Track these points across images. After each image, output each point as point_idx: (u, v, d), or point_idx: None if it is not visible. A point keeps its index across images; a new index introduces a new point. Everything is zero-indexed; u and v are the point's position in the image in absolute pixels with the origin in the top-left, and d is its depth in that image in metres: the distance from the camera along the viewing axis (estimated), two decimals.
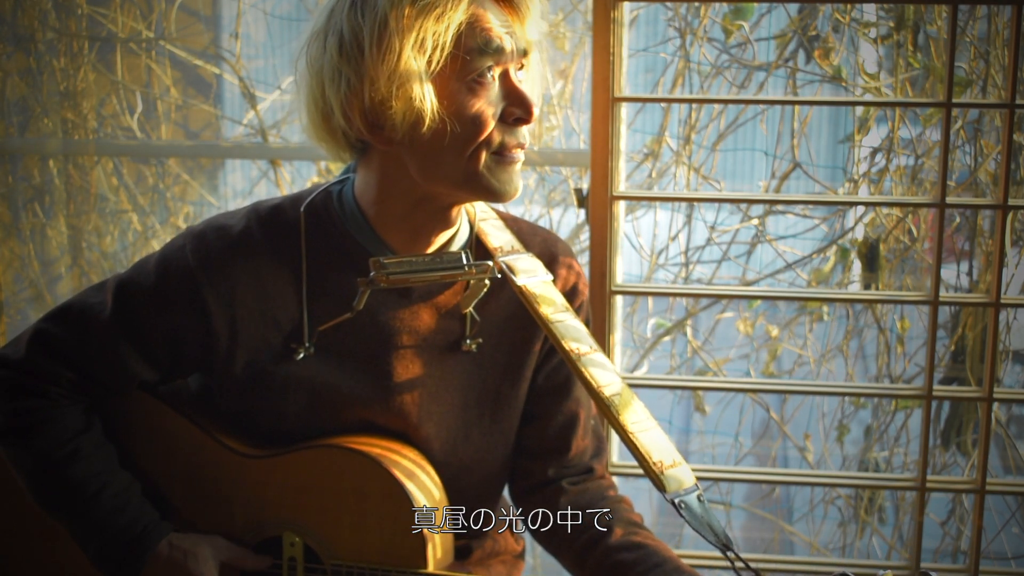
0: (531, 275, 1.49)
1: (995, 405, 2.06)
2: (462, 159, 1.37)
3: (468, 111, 1.35)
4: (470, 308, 1.48)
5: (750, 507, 2.88)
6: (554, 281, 1.53)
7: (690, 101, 2.46)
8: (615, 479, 2.09)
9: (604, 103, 1.90)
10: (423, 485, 1.47)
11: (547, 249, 1.57)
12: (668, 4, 2.44)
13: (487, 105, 1.36)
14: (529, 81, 1.42)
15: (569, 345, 1.45)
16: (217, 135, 2.94)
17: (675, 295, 2.56)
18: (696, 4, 2.42)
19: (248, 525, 1.48)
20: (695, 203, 2.57)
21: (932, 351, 1.95)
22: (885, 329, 2.56)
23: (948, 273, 2.44)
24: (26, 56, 2.75)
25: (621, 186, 1.99)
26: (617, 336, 2.05)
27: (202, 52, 2.82)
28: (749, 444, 2.83)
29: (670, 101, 2.48)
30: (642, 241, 2.62)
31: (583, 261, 2.66)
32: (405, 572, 1.42)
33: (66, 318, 1.45)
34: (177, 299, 1.42)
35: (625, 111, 1.98)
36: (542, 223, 2.75)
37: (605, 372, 1.45)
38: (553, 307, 1.47)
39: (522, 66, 1.41)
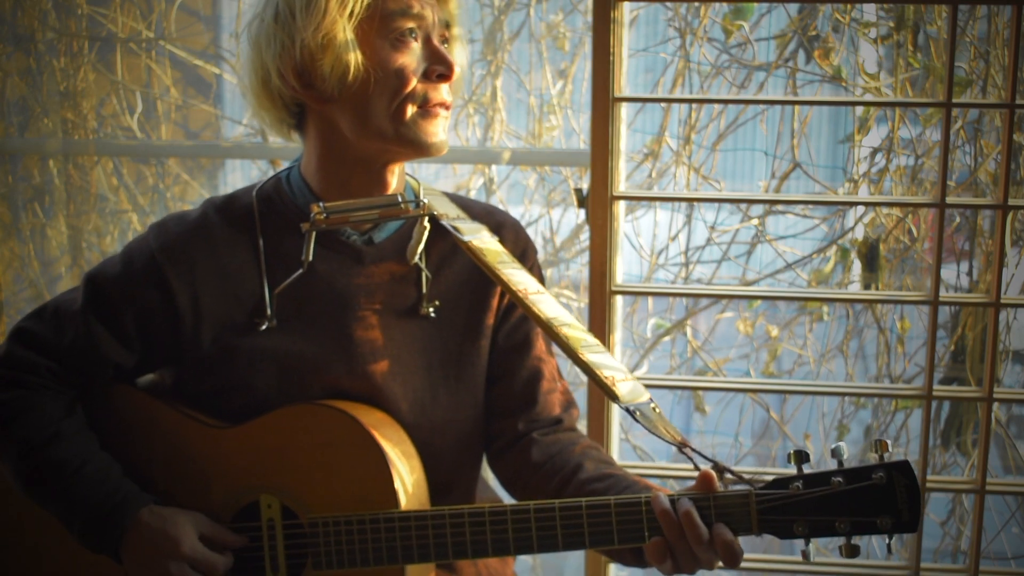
0: (477, 233, 1.58)
1: (995, 405, 2.05)
2: (388, 112, 1.48)
3: (391, 64, 1.47)
4: (417, 259, 1.55)
5: None
6: (502, 243, 1.61)
7: (690, 101, 2.46)
8: None
9: (604, 103, 1.90)
10: (390, 434, 1.50)
11: (492, 219, 1.65)
12: (668, 4, 2.44)
13: (409, 60, 1.47)
14: (451, 50, 1.54)
15: (516, 286, 1.52)
16: (217, 135, 2.94)
17: (675, 295, 2.56)
18: (696, 4, 2.42)
19: (226, 496, 1.51)
20: (695, 203, 2.57)
21: (932, 351, 1.95)
22: (885, 329, 2.56)
23: (948, 273, 2.44)
24: (26, 56, 2.75)
25: (621, 186, 1.99)
26: (617, 336, 2.05)
27: (202, 52, 2.82)
28: (749, 444, 2.83)
29: (670, 101, 2.48)
30: (642, 241, 2.62)
31: (583, 261, 2.67)
32: (379, 515, 1.44)
33: (42, 315, 1.55)
34: (142, 281, 1.52)
35: (625, 111, 1.98)
36: (542, 223, 2.76)
37: (554, 307, 1.54)
38: (499, 258, 1.55)
39: (445, 39, 1.53)
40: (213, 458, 1.51)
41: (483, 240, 1.57)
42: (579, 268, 2.73)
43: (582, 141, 2.66)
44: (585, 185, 1.98)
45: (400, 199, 1.51)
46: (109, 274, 1.53)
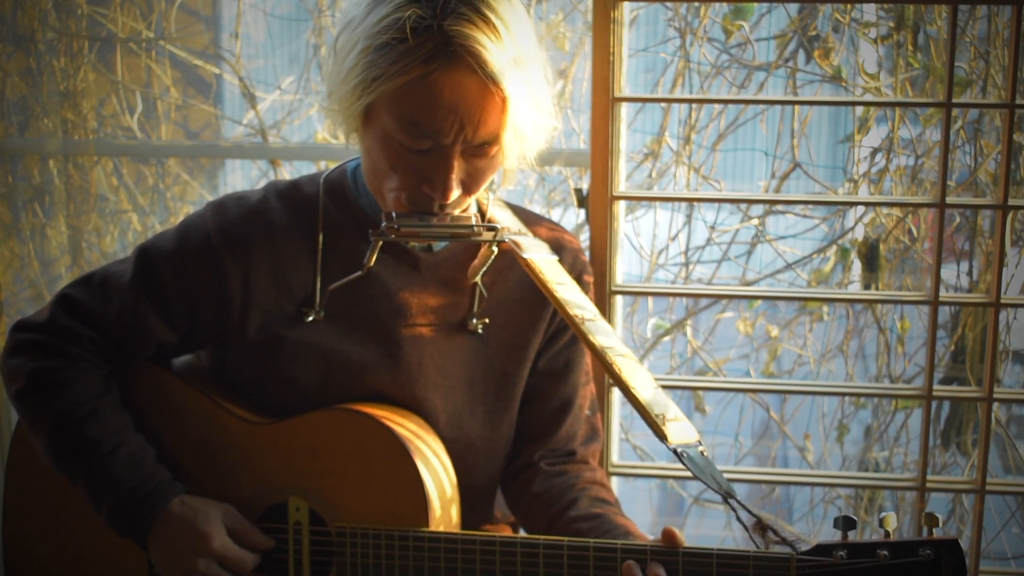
0: (537, 251, 1.52)
1: (995, 405, 2.05)
2: (373, 188, 1.45)
3: (374, 159, 1.41)
4: (477, 278, 1.51)
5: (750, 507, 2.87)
6: (560, 262, 1.56)
7: (690, 101, 2.46)
8: (615, 480, 2.09)
9: (604, 103, 1.90)
10: (426, 450, 1.48)
11: (553, 236, 1.60)
12: (668, 4, 2.44)
13: (396, 162, 1.38)
14: (486, 160, 1.39)
15: (573, 311, 1.47)
16: (217, 135, 2.94)
17: (675, 295, 2.56)
18: (696, 4, 2.42)
19: (255, 493, 1.50)
20: (695, 203, 2.57)
21: (932, 351, 1.95)
22: (885, 329, 2.56)
23: (948, 273, 2.44)
24: (26, 56, 2.75)
25: (621, 186, 1.99)
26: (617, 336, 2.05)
27: (202, 52, 2.82)
28: (749, 444, 2.83)
29: (670, 101, 2.48)
30: (642, 241, 2.62)
31: None
32: (408, 532, 1.42)
33: (89, 283, 1.52)
34: (195, 260, 1.48)
35: (625, 111, 1.98)
36: None
37: (609, 337, 1.48)
38: (557, 279, 1.50)
39: (480, 152, 1.38)
40: (245, 453, 1.50)
41: (543, 259, 1.52)
42: None
43: (582, 141, 2.66)
44: (585, 185, 1.98)
45: (474, 225, 1.44)
46: (162, 249, 1.50)
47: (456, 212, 1.44)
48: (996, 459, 2.64)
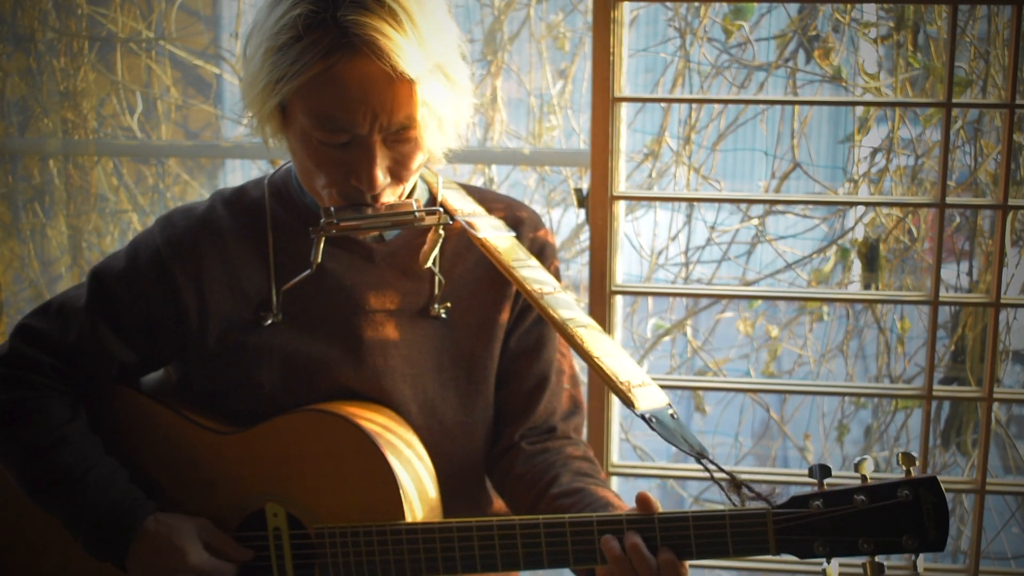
0: (493, 230, 1.51)
1: (995, 405, 2.06)
2: (307, 187, 1.44)
3: (299, 159, 1.41)
4: (430, 263, 1.50)
5: None
6: (519, 240, 1.55)
7: (690, 101, 2.46)
8: (615, 480, 2.09)
9: (604, 103, 1.90)
10: (397, 442, 1.47)
11: (511, 213, 1.59)
12: (668, 4, 2.44)
13: (320, 160, 1.38)
14: (408, 144, 1.38)
15: (531, 286, 1.47)
16: (217, 135, 2.94)
17: (675, 295, 2.56)
18: (696, 4, 2.42)
19: (232, 503, 1.49)
20: (695, 203, 2.57)
21: (932, 351, 1.95)
22: (885, 329, 2.56)
23: (948, 273, 2.44)
24: (26, 56, 2.75)
25: (621, 186, 1.99)
26: (617, 336, 2.05)
27: (202, 52, 2.82)
28: (749, 444, 2.83)
29: (670, 101, 2.48)
30: (642, 241, 2.62)
31: (583, 261, 2.67)
32: (385, 527, 1.42)
33: (47, 312, 1.52)
34: (147, 276, 1.48)
35: (625, 111, 1.98)
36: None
37: (571, 310, 1.48)
38: (515, 257, 1.50)
39: (401, 138, 1.37)
40: (218, 464, 1.49)
41: (499, 237, 1.52)
42: (579, 268, 2.73)
43: (582, 141, 2.66)
44: (585, 185, 1.98)
45: (415, 210, 1.42)
46: (114, 270, 1.50)
47: (393, 200, 1.43)
48: (996, 459, 2.64)
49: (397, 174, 1.40)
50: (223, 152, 2.89)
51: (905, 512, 1.29)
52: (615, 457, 2.10)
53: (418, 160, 1.41)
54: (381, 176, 1.37)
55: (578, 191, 1.98)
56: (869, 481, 1.30)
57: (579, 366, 1.70)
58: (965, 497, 2.49)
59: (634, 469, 2.13)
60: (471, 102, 1.44)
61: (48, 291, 2.83)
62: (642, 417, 1.39)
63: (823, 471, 1.31)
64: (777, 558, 2.14)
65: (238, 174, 3.11)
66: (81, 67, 2.75)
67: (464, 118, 1.44)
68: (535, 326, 1.60)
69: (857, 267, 2.55)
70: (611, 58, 1.89)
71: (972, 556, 1.99)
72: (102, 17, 2.76)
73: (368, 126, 1.34)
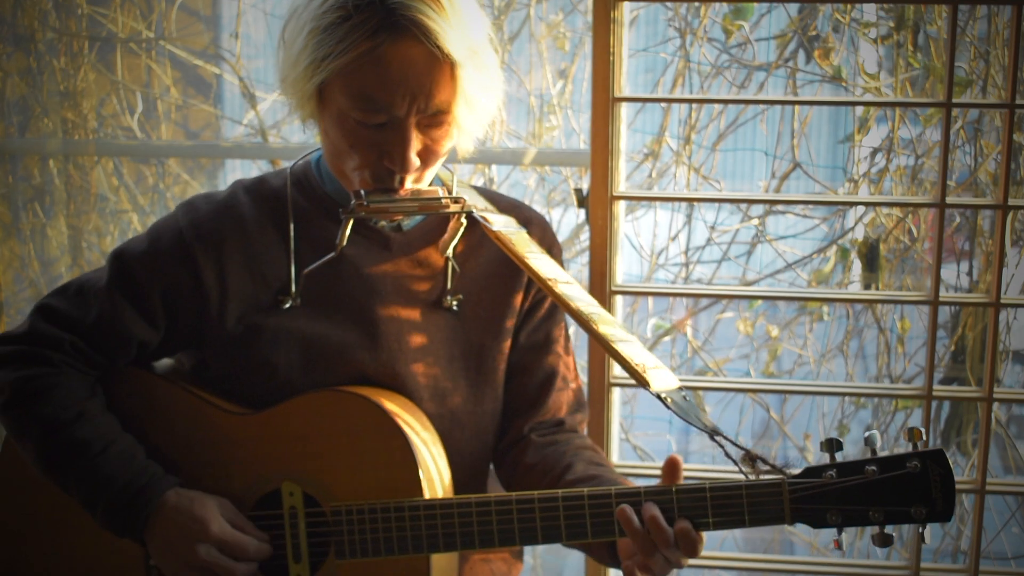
0: (506, 225, 1.56)
1: (995, 405, 2.05)
2: (336, 170, 1.48)
3: (332, 140, 1.44)
4: (449, 252, 1.53)
5: None
6: (529, 235, 1.59)
7: (690, 101, 2.46)
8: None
9: (604, 103, 1.90)
10: (414, 423, 1.49)
11: (520, 214, 1.63)
12: (668, 4, 2.44)
13: (354, 140, 1.41)
14: (441, 129, 1.43)
15: (546, 275, 1.50)
16: (217, 135, 2.94)
17: (675, 295, 2.56)
18: (696, 4, 2.42)
19: (248, 483, 1.50)
20: (695, 203, 2.57)
21: (932, 351, 1.95)
22: (885, 329, 2.56)
23: (948, 273, 2.44)
24: (26, 56, 2.75)
25: (621, 186, 1.99)
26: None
27: (202, 52, 2.82)
28: (749, 444, 2.83)
29: (670, 101, 2.48)
30: (642, 241, 2.62)
31: (583, 261, 2.67)
32: (403, 503, 1.43)
33: (66, 292, 1.54)
34: (169, 257, 1.50)
35: (625, 111, 1.98)
36: None
37: (584, 297, 1.52)
38: (528, 249, 1.53)
39: (435, 122, 1.41)
40: (234, 445, 1.50)
41: (513, 231, 1.55)
42: (579, 268, 2.73)
43: (582, 141, 2.66)
44: (585, 185, 1.98)
45: (442, 196, 1.47)
46: (135, 251, 1.52)
47: (419, 187, 1.47)
48: (996, 459, 2.65)
49: (426, 159, 1.44)
50: (223, 152, 2.89)
51: (914, 483, 1.35)
52: (615, 457, 2.10)
53: (447, 146, 1.45)
54: (414, 158, 1.41)
55: (578, 191, 1.98)
56: (878, 454, 1.35)
57: (579, 366, 1.71)
58: (965, 497, 2.49)
59: (634, 469, 2.13)
60: (502, 90, 1.48)
61: (48, 291, 2.83)
62: (657, 396, 1.43)
63: (833, 444, 1.37)
64: (777, 558, 2.14)
65: (238, 174, 3.11)
66: (81, 67, 2.75)
67: (494, 107, 1.48)
68: (544, 322, 1.63)
69: (857, 267, 2.56)
70: (611, 58, 1.89)
71: (972, 556, 1.99)
72: (102, 17, 2.76)
73: (406, 108, 1.38)
